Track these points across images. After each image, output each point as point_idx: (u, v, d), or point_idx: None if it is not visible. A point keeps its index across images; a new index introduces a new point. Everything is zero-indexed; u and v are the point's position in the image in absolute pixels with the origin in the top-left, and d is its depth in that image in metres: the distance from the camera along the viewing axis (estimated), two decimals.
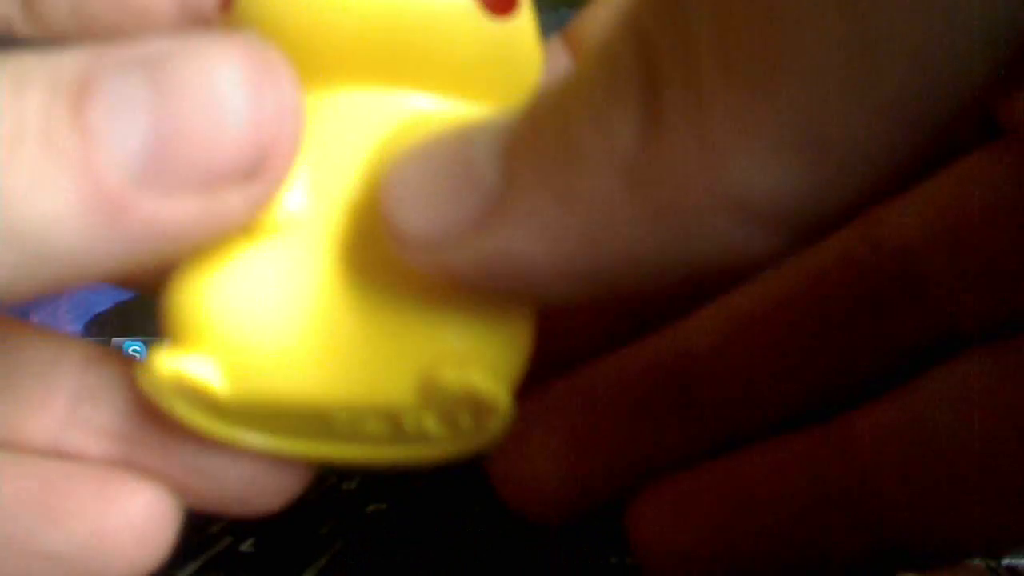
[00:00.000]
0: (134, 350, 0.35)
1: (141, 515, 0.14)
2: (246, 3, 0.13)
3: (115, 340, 0.35)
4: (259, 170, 0.11)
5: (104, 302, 0.37)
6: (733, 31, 0.09)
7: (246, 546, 0.20)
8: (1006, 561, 0.19)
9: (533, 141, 0.11)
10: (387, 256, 0.12)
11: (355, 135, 0.13)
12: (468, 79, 0.13)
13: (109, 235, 0.11)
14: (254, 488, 0.15)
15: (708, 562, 0.15)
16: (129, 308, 0.36)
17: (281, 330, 0.13)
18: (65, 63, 0.11)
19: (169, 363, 0.13)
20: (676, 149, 0.09)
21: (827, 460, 0.15)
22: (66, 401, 0.15)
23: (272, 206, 0.13)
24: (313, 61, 0.13)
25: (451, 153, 0.12)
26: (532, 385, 0.14)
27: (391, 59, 0.13)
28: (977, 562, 0.19)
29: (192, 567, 0.19)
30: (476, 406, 0.13)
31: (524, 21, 0.13)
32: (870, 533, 0.14)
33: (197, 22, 0.17)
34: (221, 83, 0.11)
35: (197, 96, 0.11)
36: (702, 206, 0.09)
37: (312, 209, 0.13)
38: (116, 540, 0.14)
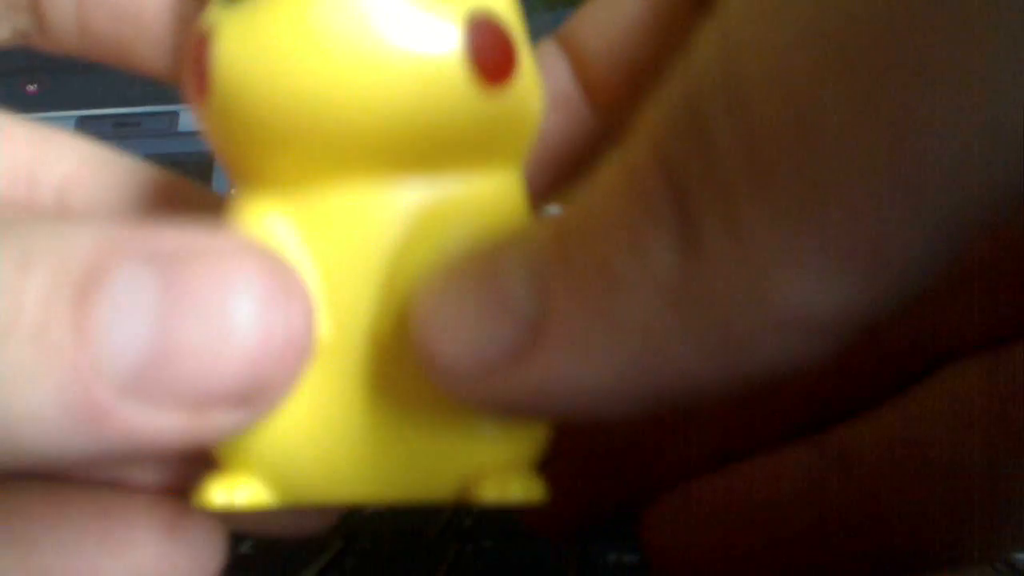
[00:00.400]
0: None
1: (196, 543, 0.15)
2: (225, 94, 0.12)
3: None
4: (253, 398, 0.11)
5: None
6: (767, 159, 0.09)
7: (246, 547, 0.20)
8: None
9: (567, 267, 0.10)
10: (416, 371, 0.12)
11: (364, 241, 0.13)
12: (465, 153, 0.13)
13: (85, 439, 0.10)
14: (298, 516, 0.16)
15: (717, 567, 0.16)
16: None
17: (322, 449, 0.13)
18: (76, 245, 0.11)
19: (221, 496, 0.13)
20: (719, 272, 0.09)
21: (826, 470, 0.15)
22: None
23: None
24: (302, 154, 0.13)
25: (481, 280, 0.11)
26: None
27: (384, 148, 0.13)
28: None
29: None
30: (514, 507, 0.13)
31: (522, 82, 0.13)
32: (870, 541, 0.15)
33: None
34: (233, 301, 0.11)
35: (205, 311, 0.10)
36: (752, 325, 0.09)
37: (335, 328, 0.13)
38: (174, 568, 0.14)
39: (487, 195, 0.13)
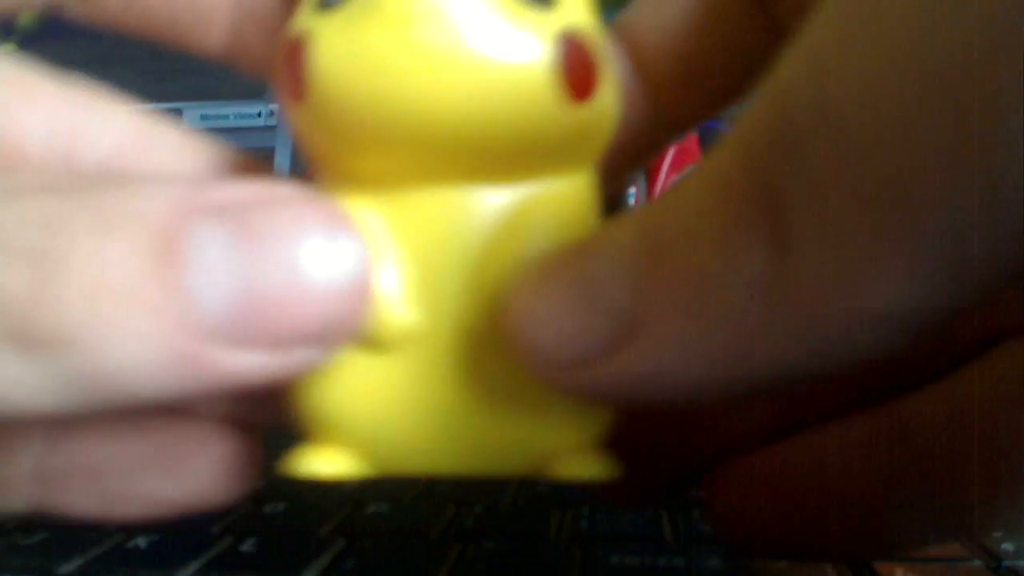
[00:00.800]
0: None
1: (241, 462, 0.16)
2: (323, 97, 0.13)
3: None
4: (328, 335, 0.12)
5: None
6: (859, 173, 0.09)
7: (246, 546, 0.20)
8: (1006, 563, 0.19)
9: (661, 267, 0.11)
10: (498, 358, 0.14)
11: (451, 237, 0.14)
12: (548, 158, 0.14)
13: (178, 381, 0.11)
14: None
15: (778, 530, 0.17)
16: None
17: (410, 424, 0.14)
18: (152, 207, 0.11)
19: (310, 465, 0.14)
20: (809, 274, 0.10)
21: (884, 442, 0.15)
22: None
23: (388, 322, 0.14)
24: (394, 155, 0.13)
25: (575, 280, 0.12)
26: None
27: (473, 155, 0.13)
28: (977, 563, 0.20)
29: (192, 567, 0.19)
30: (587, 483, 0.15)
31: (604, 94, 0.14)
32: (923, 509, 0.15)
33: (250, 21, 0.18)
34: (307, 250, 0.12)
35: (282, 260, 0.12)
36: (840, 321, 0.10)
37: (425, 315, 0.14)
38: (220, 485, 0.16)
39: (566, 195, 0.14)
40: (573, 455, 0.14)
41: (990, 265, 0.09)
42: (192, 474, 0.16)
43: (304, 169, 0.19)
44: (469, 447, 0.14)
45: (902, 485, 0.15)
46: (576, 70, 0.13)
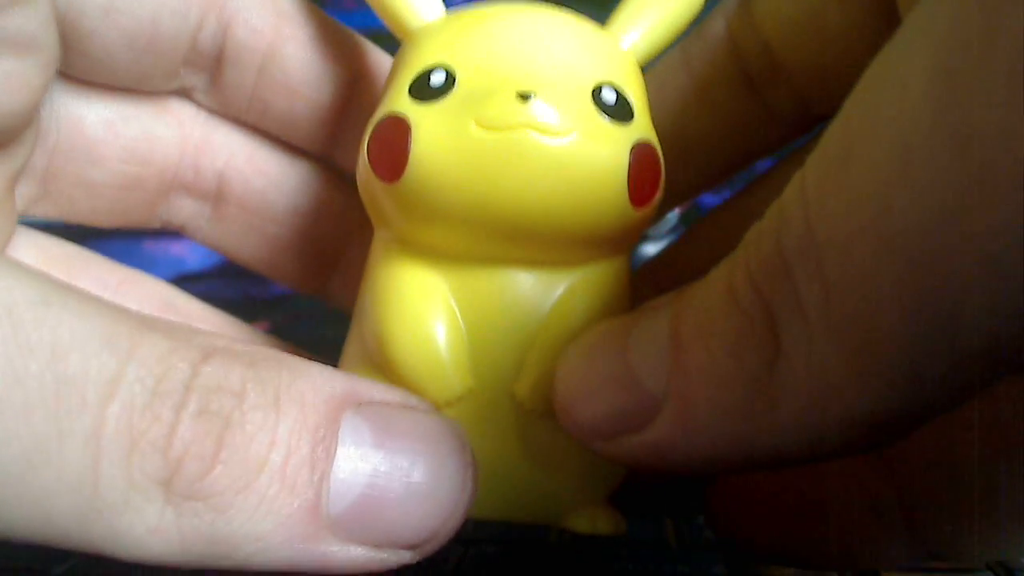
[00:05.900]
0: None
1: None
2: (418, 180, 0.14)
3: None
4: (425, 543, 0.13)
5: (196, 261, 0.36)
6: (836, 303, 0.11)
7: None
8: (1018, 572, 0.19)
9: (682, 360, 0.13)
10: (530, 422, 0.16)
11: (508, 313, 0.15)
12: (602, 250, 0.16)
13: (288, 558, 0.12)
14: None
15: (770, 539, 0.18)
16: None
17: None
18: (314, 392, 0.13)
19: None
20: (793, 380, 0.12)
21: (876, 475, 0.17)
22: None
23: (444, 387, 0.15)
24: (468, 238, 0.15)
25: (615, 363, 0.14)
26: None
27: (543, 241, 0.15)
28: (987, 572, 0.19)
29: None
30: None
31: (659, 195, 0.15)
32: (904, 537, 0.17)
33: (353, 122, 0.20)
34: (437, 467, 0.13)
35: (407, 466, 0.13)
36: (815, 421, 0.12)
37: (476, 380, 0.15)
38: None
39: (606, 278, 0.16)
40: (587, 509, 0.16)
41: (939, 387, 0.11)
42: None
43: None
44: (501, 495, 0.16)
45: (884, 512, 0.17)
46: (643, 181, 0.15)
